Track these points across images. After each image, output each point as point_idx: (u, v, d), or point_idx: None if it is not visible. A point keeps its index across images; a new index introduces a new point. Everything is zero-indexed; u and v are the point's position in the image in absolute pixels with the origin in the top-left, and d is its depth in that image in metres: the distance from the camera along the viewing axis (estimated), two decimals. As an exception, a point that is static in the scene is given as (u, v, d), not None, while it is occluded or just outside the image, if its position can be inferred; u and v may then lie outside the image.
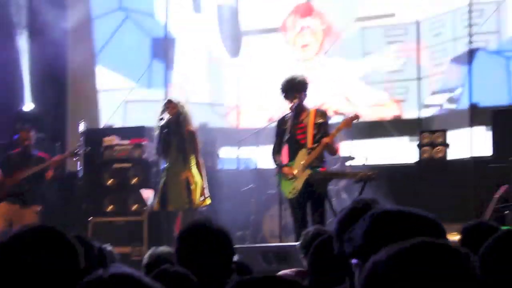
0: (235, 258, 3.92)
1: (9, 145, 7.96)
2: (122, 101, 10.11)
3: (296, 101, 6.53)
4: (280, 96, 6.75)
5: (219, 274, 2.63)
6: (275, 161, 6.69)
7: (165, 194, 6.82)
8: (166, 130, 6.83)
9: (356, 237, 1.75)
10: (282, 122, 6.72)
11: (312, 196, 6.47)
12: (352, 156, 8.02)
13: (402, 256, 1.28)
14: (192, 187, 6.83)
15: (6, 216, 7.58)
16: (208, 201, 7.01)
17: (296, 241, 6.52)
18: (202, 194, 6.94)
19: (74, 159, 8.14)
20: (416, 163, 8.41)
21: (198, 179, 6.93)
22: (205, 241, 2.67)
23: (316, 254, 3.05)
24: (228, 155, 9.51)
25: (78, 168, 8.22)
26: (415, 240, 1.31)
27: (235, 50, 10.55)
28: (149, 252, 3.53)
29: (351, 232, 1.79)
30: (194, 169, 6.96)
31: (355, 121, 6.60)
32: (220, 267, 2.66)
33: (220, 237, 2.69)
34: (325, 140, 6.41)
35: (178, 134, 6.87)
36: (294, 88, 6.57)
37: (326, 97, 9.79)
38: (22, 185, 7.58)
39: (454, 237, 7.39)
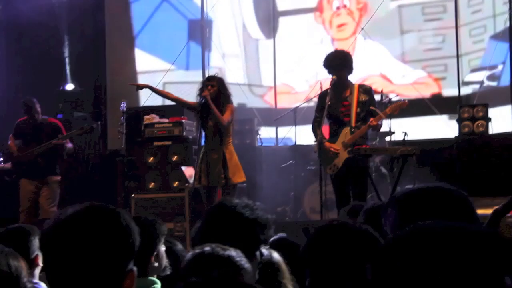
0: (281, 235, 3.95)
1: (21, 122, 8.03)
2: (160, 82, 10.19)
3: (334, 77, 6.49)
4: (322, 73, 6.73)
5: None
6: (316, 135, 6.65)
7: (203, 171, 6.86)
8: (205, 107, 6.84)
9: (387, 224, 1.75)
10: (324, 96, 6.67)
11: (353, 172, 6.45)
12: (392, 131, 7.97)
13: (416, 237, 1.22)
14: (229, 163, 6.85)
15: (29, 192, 7.70)
16: (244, 178, 7.02)
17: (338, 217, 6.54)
18: (240, 170, 6.96)
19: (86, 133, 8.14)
20: (456, 137, 8.33)
21: (235, 156, 6.95)
22: (228, 225, 2.66)
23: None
24: (267, 134, 9.53)
25: (121, 146, 8.31)
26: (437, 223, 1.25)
27: (271, 31, 10.55)
28: (196, 226, 3.54)
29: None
30: (232, 146, 6.98)
31: (402, 108, 6.53)
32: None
33: (243, 224, 2.64)
34: (371, 121, 6.35)
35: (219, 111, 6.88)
36: (337, 64, 6.52)
37: (363, 77, 9.76)
38: (37, 161, 7.66)
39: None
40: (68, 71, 9.89)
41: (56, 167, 7.78)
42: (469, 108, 8.30)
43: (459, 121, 8.31)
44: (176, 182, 7.93)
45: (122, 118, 8.08)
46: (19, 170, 7.73)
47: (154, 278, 3.37)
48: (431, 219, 1.60)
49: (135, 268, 1.73)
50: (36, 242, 3.49)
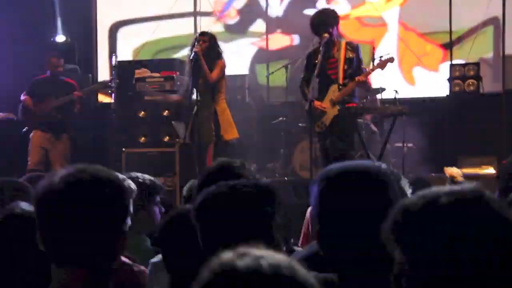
0: None
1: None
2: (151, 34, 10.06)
3: (326, 35, 6.46)
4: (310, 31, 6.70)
5: None
6: (304, 94, 6.67)
7: (195, 127, 6.90)
8: (196, 63, 6.83)
9: (312, 199, 1.80)
10: (312, 55, 6.67)
11: (340, 130, 6.49)
12: (382, 87, 7.98)
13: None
14: (220, 120, 6.87)
15: (41, 144, 7.77)
16: (237, 135, 7.05)
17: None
18: (232, 127, 6.98)
19: (106, 90, 8.28)
20: (447, 96, 8.37)
21: (227, 112, 6.97)
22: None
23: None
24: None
25: (112, 100, 8.32)
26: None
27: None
28: (188, 184, 3.57)
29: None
30: (224, 103, 6.99)
31: (389, 63, 6.53)
32: None
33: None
34: (358, 78, 6.36)
35: (208, 67, 6.87)
36: (324, 23, 6.50)
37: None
38: (53, 114, 7.73)
39: (486, 170, 7.45)
40: (58, 22, 9.77)
41: (70, 124, 7.83)
42: (460, 67, 8.33)
43: (450, 79, 8.34)
44: (167, 137, 7.96)
45: (113, 72, 8.06)
46: (34, 123, 7.74)
47: (144, 236, 3.42)
48: (351, 199, 1.72)
49: (128, 231, 1.77)
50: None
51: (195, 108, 6.94)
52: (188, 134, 7.00)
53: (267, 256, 1.12)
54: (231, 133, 6.93)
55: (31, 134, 7.79)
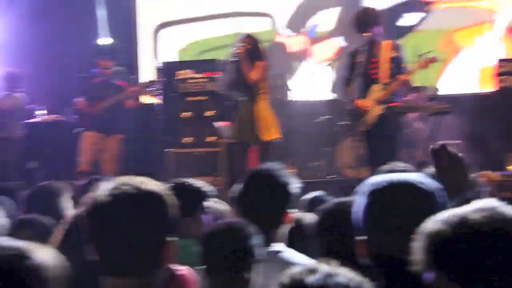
0: (318, 193, 4.04)
1: (89, 78, 8.17)
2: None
3: (368, 34, 6.42)
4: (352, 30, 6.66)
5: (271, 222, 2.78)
6: (345, 93, 6.65)
7: (237, 127, 6.96)
8: (238, 64, 6.90)
9: (357, 215, 1.89)
10: (354, 54, 6.62)
11: (384, 129, 6.43)
12: (425, 86, 7.89)
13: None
14: (259, 121, 6.89)
15: (93, 144, 7.85)
16: (278, 135, 7.05)
17: (370, 174, 6.53)
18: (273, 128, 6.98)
19: (151, 88, 8.36)
20: (495, 92, 8.23)
21: (268, 113, 6.98)
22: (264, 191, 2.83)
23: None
24: (300, 87, 9.45)
25: (156, 101, 8.40)
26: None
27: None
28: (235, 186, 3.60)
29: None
30: (264, 103, 7.00)
31: (432, 63, 6.46)
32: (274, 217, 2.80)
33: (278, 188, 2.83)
34: (402, 77, 6.30)
35: (249, 69, 6.92)
36: (366, 21, 6.45)
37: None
38: (105, 114, 7.84)
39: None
40: (102, 24, 9.92)
41: (120, 124, 7.94)
42: (507, 62, 8.20)
43: (498, 75, 8.21)
44: (211, 137, 8.01)
45: (157, 75, 8.14)
46: (85, 123, 7.88)
47: (190, 242, 3.44)
48: (398, 212, 1.81)
49: (175, 239, 1.82)
50: (65, 201, 3.64)
51: (238, 107, 6.99)
52: (234, 134, 7.08)
53: (338, 273, 1.12)
54: (271, 134, 6.94)
55: (83, 135, 7.90)
